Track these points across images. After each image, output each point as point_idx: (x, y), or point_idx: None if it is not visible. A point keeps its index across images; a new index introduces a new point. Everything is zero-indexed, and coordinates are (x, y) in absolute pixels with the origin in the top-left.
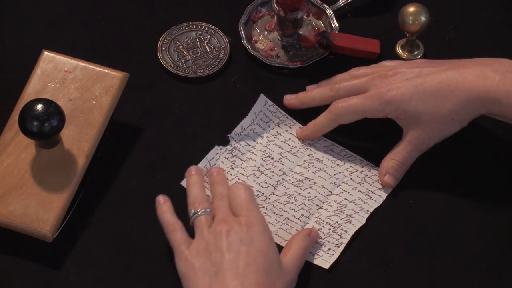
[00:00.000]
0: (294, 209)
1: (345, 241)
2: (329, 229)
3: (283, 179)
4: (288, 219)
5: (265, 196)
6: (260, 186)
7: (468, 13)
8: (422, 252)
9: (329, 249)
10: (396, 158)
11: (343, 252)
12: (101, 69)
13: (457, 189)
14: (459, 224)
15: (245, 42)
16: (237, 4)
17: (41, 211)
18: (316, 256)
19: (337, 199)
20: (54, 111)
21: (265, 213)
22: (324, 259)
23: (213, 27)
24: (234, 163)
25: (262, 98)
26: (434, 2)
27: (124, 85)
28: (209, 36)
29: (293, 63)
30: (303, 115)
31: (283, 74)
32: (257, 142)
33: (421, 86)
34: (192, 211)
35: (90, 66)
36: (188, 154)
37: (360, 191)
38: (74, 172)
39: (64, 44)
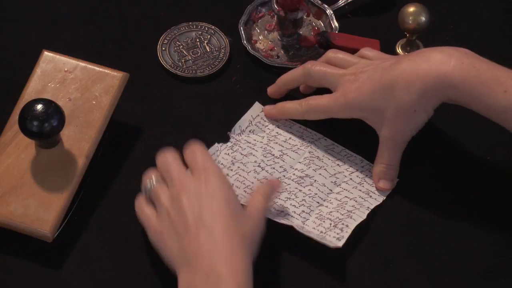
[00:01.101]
0: (295, 205)
1: (346, 235)
2: (330, 223)
3: (284, 176)
4: (289, 215)
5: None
6: (261, 182)
7: (468, 13)
8: (422, 252)
9: (331, 242)
10: (381, 161)
11: (343, 252)
12: (101, 69)
13: (457, 189)
14: (459, 224)
15: (245, 42)
16: (237, 4)
17: (41, 211)
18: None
19: (338, 197)
20: (54, 111)
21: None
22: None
23: (213, 27)
24: (234, 158)
25: (257, 106)
26: (434, 2)
27: (124, 85)
28: (209, 36)
29: (293, 63)
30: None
31: (283, 74)
32: (257, 141)
33: (379, 83)
34: (143, 187)
35: (90, 66)
36: None
37: (361, 190)
38: (74, 172)
39: (64, 44)
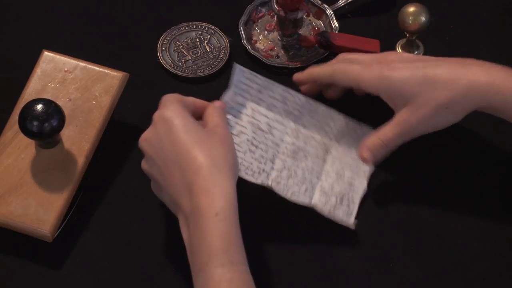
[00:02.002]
0: (298, 184)
1: (355, 211)
2: (336, 200)
3: (278, 151)
4: (295, 194)
5: (266, 172)
6: (259, 162)
7: (468, 13)
8: (422, 252)
9: (342, 219)
10: (381, 137)
11: (343, 252)
12: (101, 69)
13: (457, 189)
14: (459, 224)
15: (245, 42)
16: (237, 4)
17: (41, 211)
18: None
19: (333, 168)
20: (54, 111)
21: (272, 191)
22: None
23: (213, 27)
24: None
25: (237, 68)
26: (434, 2)
27: (124, 85)
28: (209, 36)
29: (293, 63)
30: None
31: (283, 74)
32: (243, 113)
33: (421, 70)
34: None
35: (90, 66)
36: None
37: (351, 154)
38: (74, 172)
39: (64, 44)
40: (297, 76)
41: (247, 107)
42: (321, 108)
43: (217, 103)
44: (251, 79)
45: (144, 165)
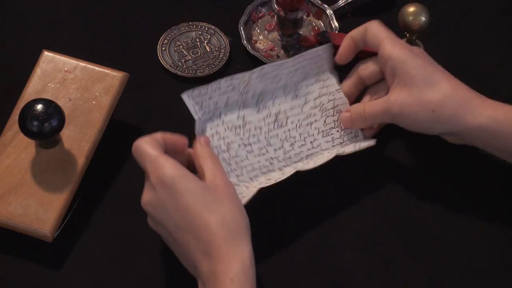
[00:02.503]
0: (304, 145)
1: (360, 134)
2: (338, 133)
3: (265, 132)
4: (310, 157)
5: (274, 158)
6: (263, 154)
7: (468, 13)
8: (422, 252)
9: (364, 144)
10: (366, 109)
11: (343, 252)
12: (101, 69)
13: (457, 189)
14: (459, 224)
15: (245, 42)
16: (237, 4)
17: (41, 211)
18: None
19: (315, 111)
20: (54, 111)
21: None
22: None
23: (213, 27)
24: (223, 159)
25: (185, 99)
26: (434, 2)
27: (124, 85)
28: (209, 36)
29: None
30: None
31: None
32: (218, 128)
33: (432, 65)
34: None
35: (90, 66)
36: None
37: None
38: (74, 172)
39: (64, 44)
40: (339, 54)
41: (218, 121)
42: (265, 68)
43: (201, 141)
44: (201, 98)
45: (151, 224)
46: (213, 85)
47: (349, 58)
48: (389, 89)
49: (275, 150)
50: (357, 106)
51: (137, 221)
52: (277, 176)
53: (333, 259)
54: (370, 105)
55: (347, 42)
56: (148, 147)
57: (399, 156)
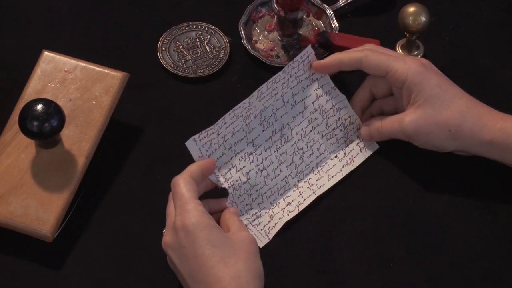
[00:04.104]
0: (312, 154)
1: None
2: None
3: (274, 151)
4: (320, 165)
5: (288, 176)
6: (279, 177)
7: (468, 13)
8: (422, 252)
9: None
10: (383, 127)
11: (343, 252)
12: (101, 69)
13: (457, 189)
14: (459, 224)
15: (245, 42)
16: (237, 4)
17: (41, 211)
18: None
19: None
20: (54, 111)
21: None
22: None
23: (213, 27)
24: (243, 191)
25: (190, 145)
26: (434, 2)
27: (124, 85)
28: (209, 36)
29: None
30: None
31: None
32: (235, 162)
33: (444, 80)
34: None
35: (90, 66)
36: (188, 154)
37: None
38: (74, 172)
39: (64, 44)
40: (319, 63)
41: (231, 153)
42: (262, 87)
43: (231, 210)
44: (209, 138)
45: (169, 263)
46: (219, 123)
47: (325, 73)
48: (403, 106)
49: (286, 167)
50: (375, 123)
51: (137, 221)
52: (296, 199)
53: (333, 259)
54: (387, 123)
55: (331, 62)
56: (184, 188)
57: (399, 156)
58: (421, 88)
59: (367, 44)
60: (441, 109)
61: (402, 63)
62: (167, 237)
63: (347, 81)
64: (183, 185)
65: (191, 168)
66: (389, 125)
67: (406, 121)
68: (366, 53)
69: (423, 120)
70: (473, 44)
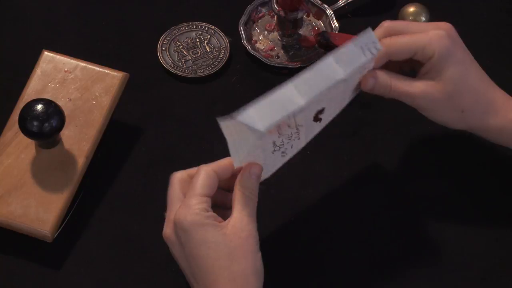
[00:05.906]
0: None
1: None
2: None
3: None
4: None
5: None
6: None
7: (468, 13)
8: (422, 252)
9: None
10: (393, 86)
11: (343, 252)
12: (101, 69)
13: (457, 188)
14: (459, 224)
15: (245, 42)
16: (237, 4)
17: (41, 211)
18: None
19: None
20: (54, 111)
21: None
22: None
23: (213, 27)
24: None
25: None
26: (434, 2)
27: (124, 85)
28: (209, 36)
29: (293, 63)
30: None
31: (283, 74)
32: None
33: (468, 57)
34: None
35: (90, 66)
36: (188, 154)
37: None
38: (74, 172)
39: (64, 44)
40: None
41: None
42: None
43: (251, 170)
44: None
45: (171, 253)
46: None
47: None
48: (420, 69)
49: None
50: (384, 77)
51: (137, 221)
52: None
53: (333, 259)
54: (397, 84)
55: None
56: (200, 181)
57: (399, 155)
58: (445, 64)
59: (382, 24)
60: (459, 90)
61: (427, 39)
62: (167, 230)
63: None
64: (202, 177)
65: (223, 162)
66: (400, 86)
67: (420, 92)
68: (388, 43)
69: (439, 96)
70: (473, 44)
